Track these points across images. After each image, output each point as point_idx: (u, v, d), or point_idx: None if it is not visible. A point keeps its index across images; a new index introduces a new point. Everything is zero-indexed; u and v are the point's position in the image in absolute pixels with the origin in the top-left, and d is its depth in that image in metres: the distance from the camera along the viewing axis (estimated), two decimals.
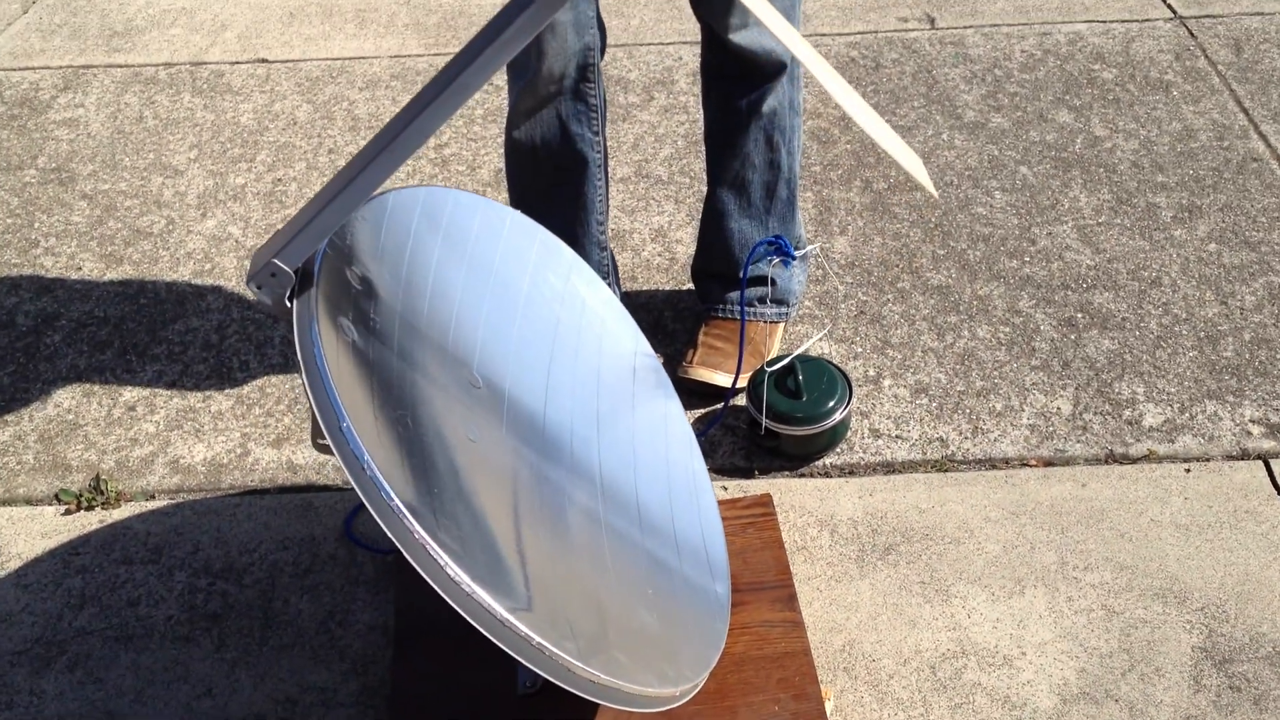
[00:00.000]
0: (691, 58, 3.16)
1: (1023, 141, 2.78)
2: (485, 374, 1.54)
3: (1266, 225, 2.50)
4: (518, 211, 1.75)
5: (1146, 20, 3.22)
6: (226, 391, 2.26)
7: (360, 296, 1.41)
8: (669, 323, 2.34)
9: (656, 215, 2.63)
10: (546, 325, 1.68)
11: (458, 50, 3.33)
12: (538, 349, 1.65)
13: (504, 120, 2.92)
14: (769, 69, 1.99)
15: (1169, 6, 3.27)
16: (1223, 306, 2.31)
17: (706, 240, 2.19)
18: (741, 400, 2.14)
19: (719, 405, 2.14)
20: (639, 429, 1.70)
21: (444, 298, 1.56)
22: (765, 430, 2.01)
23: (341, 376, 1.26)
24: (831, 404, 2.01)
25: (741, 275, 2.06)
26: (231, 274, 2.54)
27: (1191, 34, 3.14)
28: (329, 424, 1.22)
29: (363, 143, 2.93)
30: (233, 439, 2.16)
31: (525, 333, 1.65)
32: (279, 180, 2.82)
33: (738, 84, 2.01)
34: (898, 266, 2.44)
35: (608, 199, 2.12)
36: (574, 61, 1.93)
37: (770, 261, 1.96)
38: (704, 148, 2.16)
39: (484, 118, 2.99)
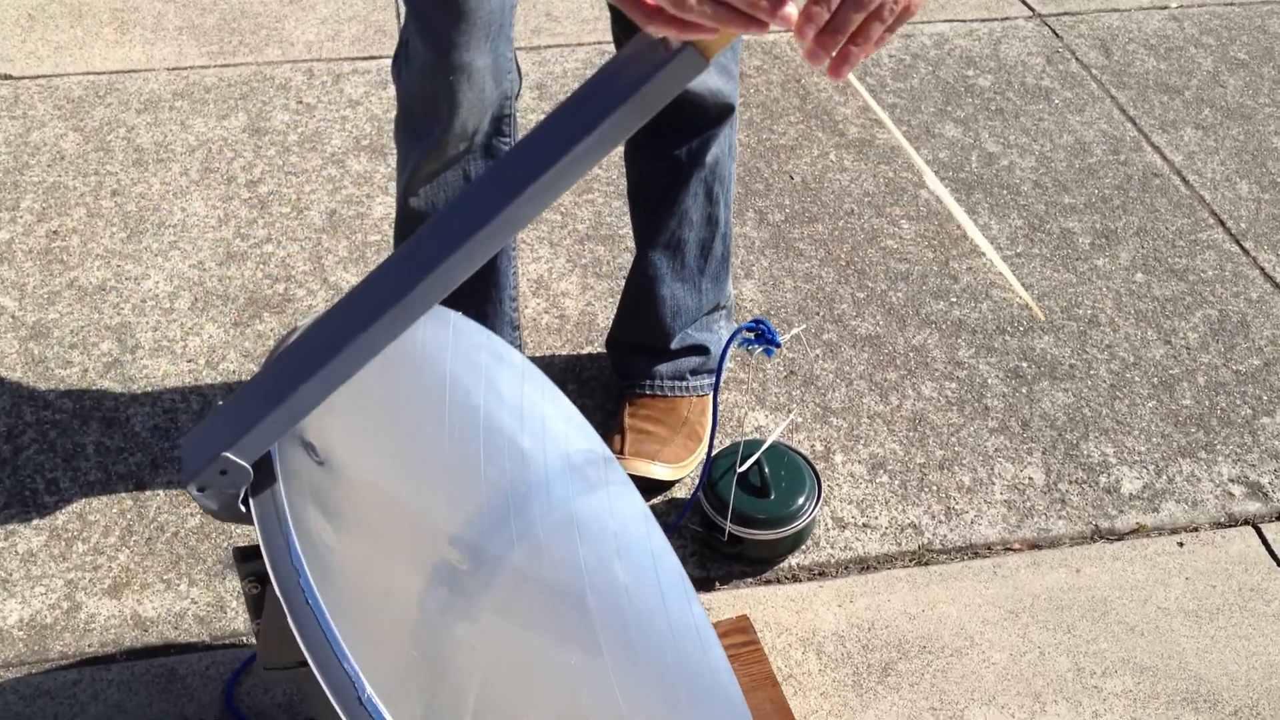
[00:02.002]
0: (562, 72, 2.86)
1: (915, 160, 2.62)
2: (466, 544, 1.24)
3: (1187, 250, 2.42)
4: (458, 313, 1.43)
5: (1007, 18, 3.13)
6: (34, 524, 1.84)
7: (323, 479, 1.08)
8: (573, 396, 2.06)
9: (532, 262, 2.33)
10: (515, 464, 1.38)
11: (256, 62, 2.92)
12: (510, 496, 1.35)
13: (326, 152, 2.54)
14: (714, 113, 1.73)
15: (1026, 4, 3.18)
16: (1168, 346, 2.21)
17: (632, 307, 1.92)
18: (681, 492, 1.89)
19: (658, 499, 1.88)
20: (630, 577, 1.42)
21: (406, 445, 1.24)
22: (729, 536, 1.77)
23: (337, 611, 0.94)
24: (801, 500, 1.78)
25: (719, 361, 1.79)
26: (14, 361, 2.09)
27: (1056, 34, 3.06)
28: (343, 697, 0.90)
29: (152, 180, 2.50)
30: (54, 589, 1.75)
31: (494, 478, 1.34)
32: (55, 233, 2.36)
33: (677, 133, 1.75)
34: (819, 314, 2.23)
35: (518, 269, 1.82)
36: (490, 113, 1.62)
37: (753, 352, 1.70)
38: (628, 206, 1.89)
39: (300, 145, 2.61)
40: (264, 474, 0.99)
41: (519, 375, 1.47)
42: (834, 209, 2.48)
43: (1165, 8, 3.20)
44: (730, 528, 1.76)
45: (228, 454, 0.95)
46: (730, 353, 1.96)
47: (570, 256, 2.34)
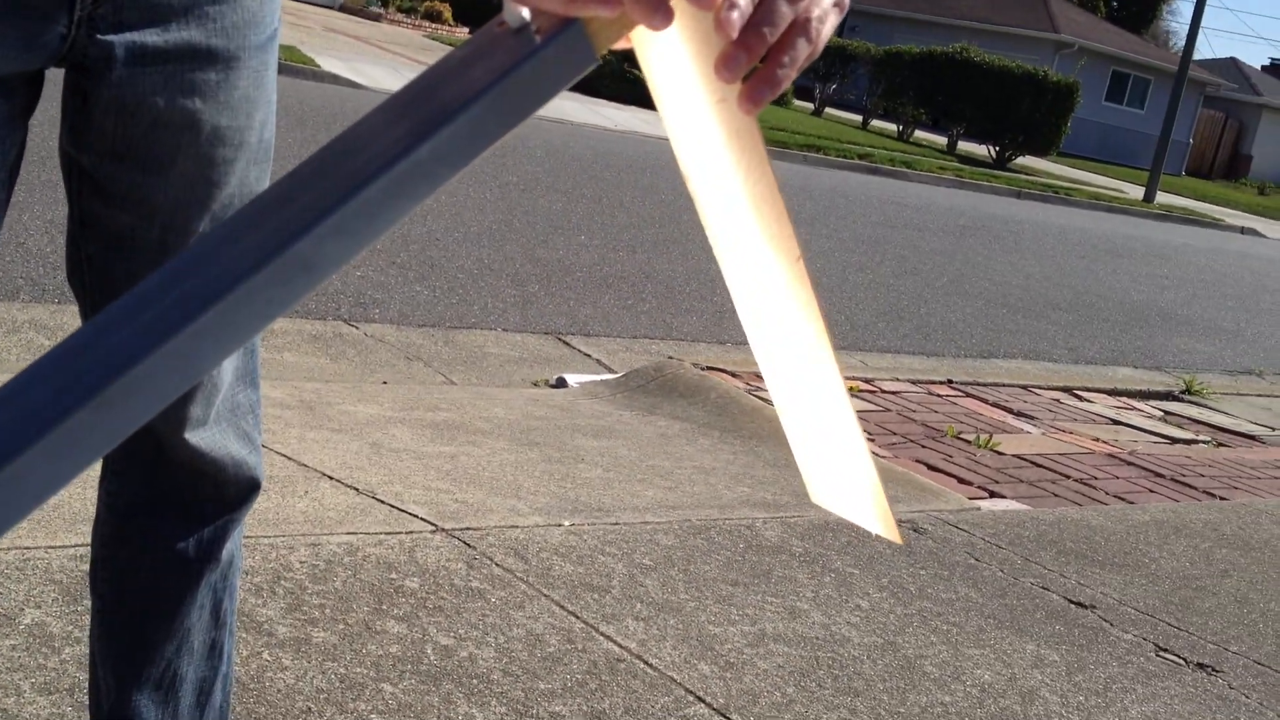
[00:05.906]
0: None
1: (365, 656, 2.27)
2: None
3: None
4: None
5: (411, 531, 2.96)
6: None
7: None
8: None
9: None
10: None
11: None
12: None
13: None
14: (234, 492, 1.34)
15: (426, 521, 3.05)
16: None
17: None
18: None
19: None
20: None
21: None
22: None
23: None
24: None
25: None
26: None
27: (468, 545, 2.93)
28: None
29: None
30: None
31: None
32: None
33: (183, 519, 1.32)
34: None
35: None
36: None
37: None
38: (94, 625, 1.37)
39: None
40: None
41: None
42: (286, 708, 2.03)
43: (560, 525, 3.21)
44: None
45: None
46: None
47: None
